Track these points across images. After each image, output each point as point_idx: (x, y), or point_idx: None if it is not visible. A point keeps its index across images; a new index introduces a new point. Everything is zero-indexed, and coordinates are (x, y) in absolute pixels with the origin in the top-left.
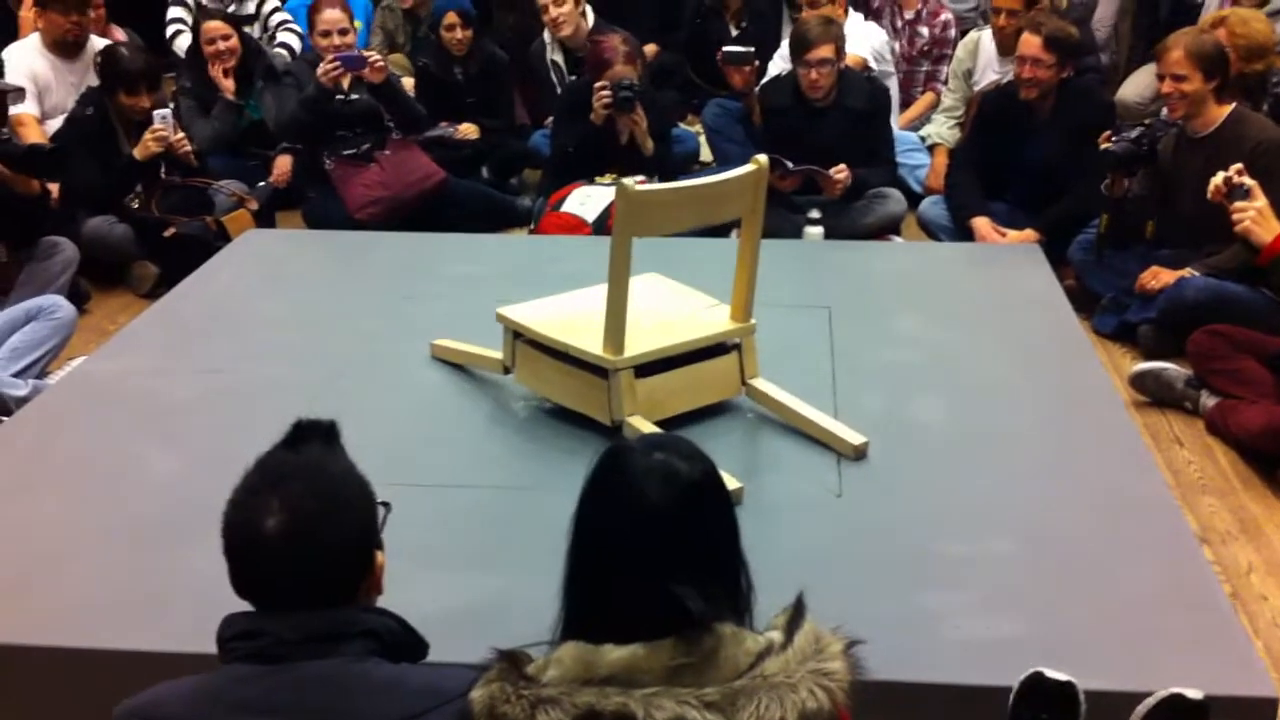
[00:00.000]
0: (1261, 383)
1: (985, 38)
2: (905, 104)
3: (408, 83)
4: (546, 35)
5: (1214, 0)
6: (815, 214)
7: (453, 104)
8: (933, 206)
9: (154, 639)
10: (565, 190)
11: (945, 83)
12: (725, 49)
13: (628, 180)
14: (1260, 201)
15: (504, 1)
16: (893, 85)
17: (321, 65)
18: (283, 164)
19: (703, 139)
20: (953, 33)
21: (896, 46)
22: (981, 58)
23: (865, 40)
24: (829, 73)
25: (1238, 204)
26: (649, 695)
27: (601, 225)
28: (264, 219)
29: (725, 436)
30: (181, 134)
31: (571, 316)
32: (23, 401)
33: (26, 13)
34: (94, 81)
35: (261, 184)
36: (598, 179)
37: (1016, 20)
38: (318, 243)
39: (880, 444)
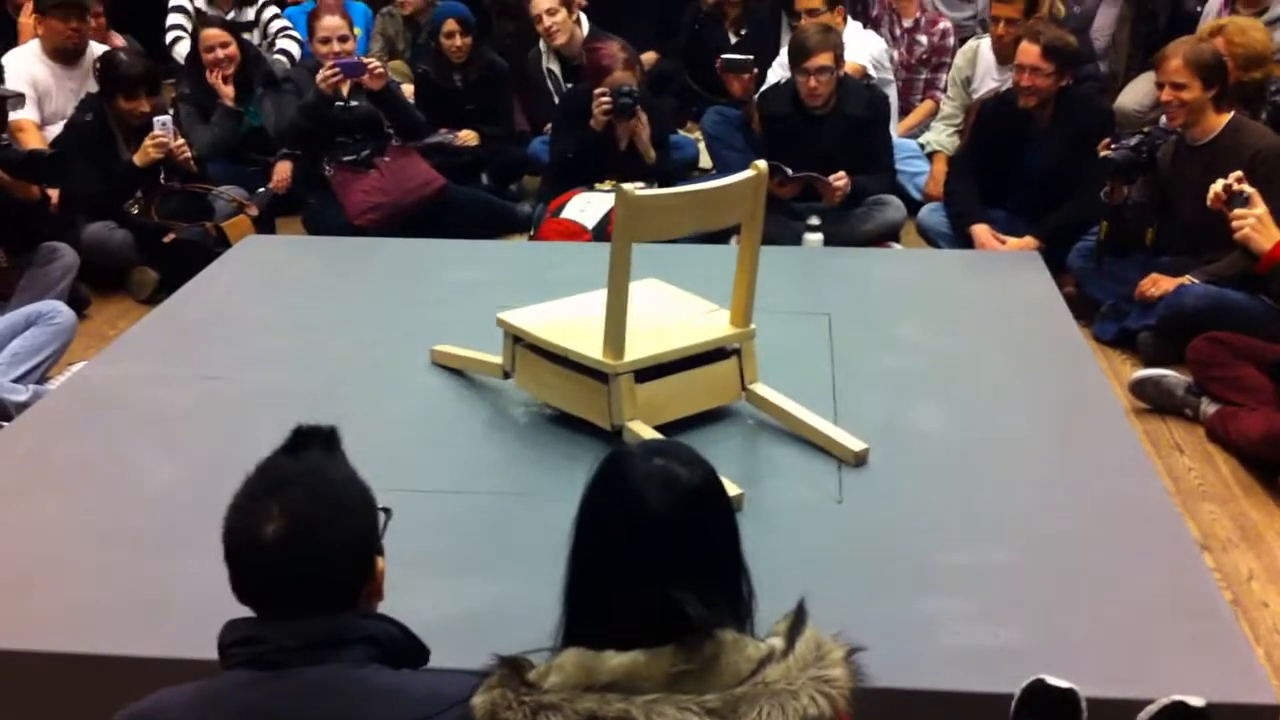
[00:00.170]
0: (1261, 390)
1: (984, 46)
2: (904, 112)
3: (407, 89)
4: (542, 44)
5: (1212, 9)
6: (815, 221)
7: (452, 111)
8: (932, 214)
9: (155, 644)
10: (565, 196)
11: (944, 90)
12: (724, 56)
13: (627, 185)
14: (1260, 209)
15: (503, 9)
16: (891, 93)
17: (321, 72)
18: (282, 170)
19: (702, 146)
20: (951, 41)
21: (895, 54)
22: (980, 66)
23: (864, 48)
24: (828, 80)
25: (1237, 211)
26: (650, 702)
27: (601, 231)
28: (264, 225)
29: (725, 442)
30: (181, 140)
31: (571, 321)
32: (23, 407)
33: (26, 19)
34: (93, 88)
35: (261, 190)
36: (597, 185)
37: (1015, 29)
38: (317, 249)
39: (880, 451)
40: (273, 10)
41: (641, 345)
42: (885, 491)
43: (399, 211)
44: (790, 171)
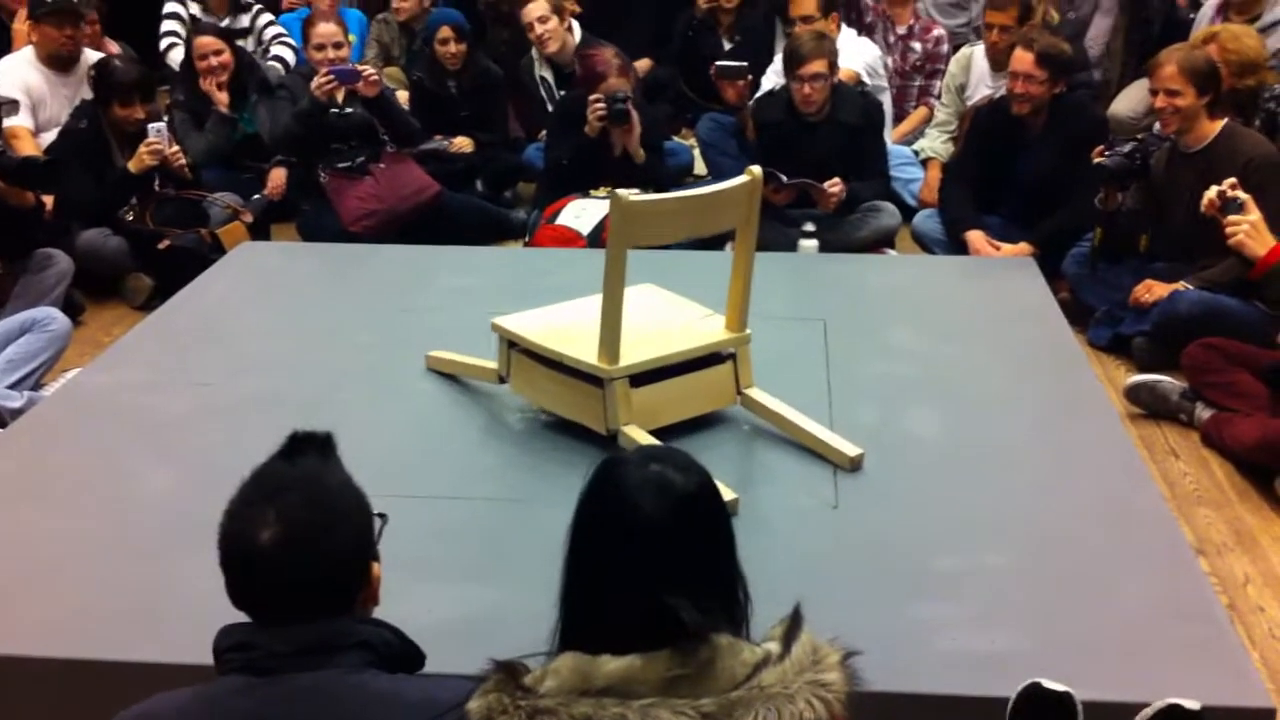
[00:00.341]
0: (1256, 395)
1: (978, 53)
2: (898, 119)
3: (402, 96)
4: (534, 51)
5: (1206, 16)
6: (810, 227)
7: (447, 117)
8: (926, 220)
9: (150, 650)
10: (560, 203)
11: (938, 97)
12: (719, 63)
13: (622, 191)
14: (1254, 215)
15: (498, 15)
16: (886, 100)
17: (315, 79)
18: (277, 177)
19: (696, 152)
20: (945, 48)
21: (889, 61)
22: (974, 73)
23: (858, 55)
24: (822, 87)
25: (1231, 217)
26: (646, 706)
27: (596, 238)
28: (258, 231)
29: (721, 448)
30: (176, 147)
31: (566, 326)
32: (17, 414)
33: (20, 26)
34: (88, 95)
35: (256, 196)
36: (592, 192)
37: (1009, 36)
38: (312, 255)
39: (875, 456)
40: (267, 17)
41: (636, 350)
42: (880, 497)
43: (394, 218)
44: (785, 178)
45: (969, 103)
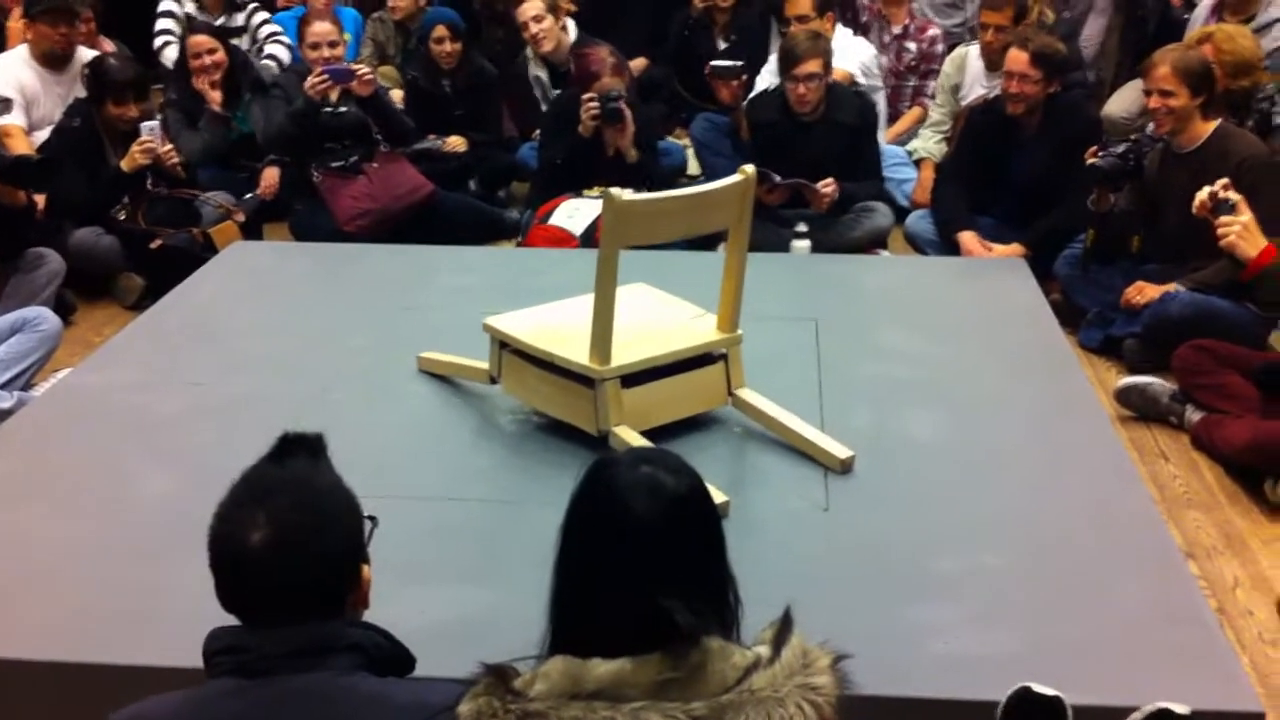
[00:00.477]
0: (1246, 398)
1: (973, 53)
2: (892, 119)
3: (397, 95)
4: (529, 50)
5: (1200, 16)
6: (802, 228)
7: (441, 117)
8: (919, 221)
9: (141, 653)
10: (553, 203)
11: (932, 97)
12: (714, 63)
13: (615, 190)
14: (1246, 216)
15: (493, 15)
16: (880, 100)
17: (309, 78)
18: (270, 176)
19: (690, 152)
20: (940, 48)
21: (884, 61)
22: (969, 73)
23: (853, 55)
24: (816, 87)
25: (1223, 219)
26: (636, 709)
27: (589, 238)
28: (251, 231)
29: (712, 450)
30: (169, 146)
31: (558, 326)
32: (7, 414)
33: (15, 24)
34: (82, 93)
35: (249, 196)
36: (585, 192)
37: (1004, 36)
38: (305, 255)
39: (867, 458)
40: (263, 15)
41: (628, 350)
42: (871, 499)
43: (387, 217)
44: (778, 178)
45: (963, 103)
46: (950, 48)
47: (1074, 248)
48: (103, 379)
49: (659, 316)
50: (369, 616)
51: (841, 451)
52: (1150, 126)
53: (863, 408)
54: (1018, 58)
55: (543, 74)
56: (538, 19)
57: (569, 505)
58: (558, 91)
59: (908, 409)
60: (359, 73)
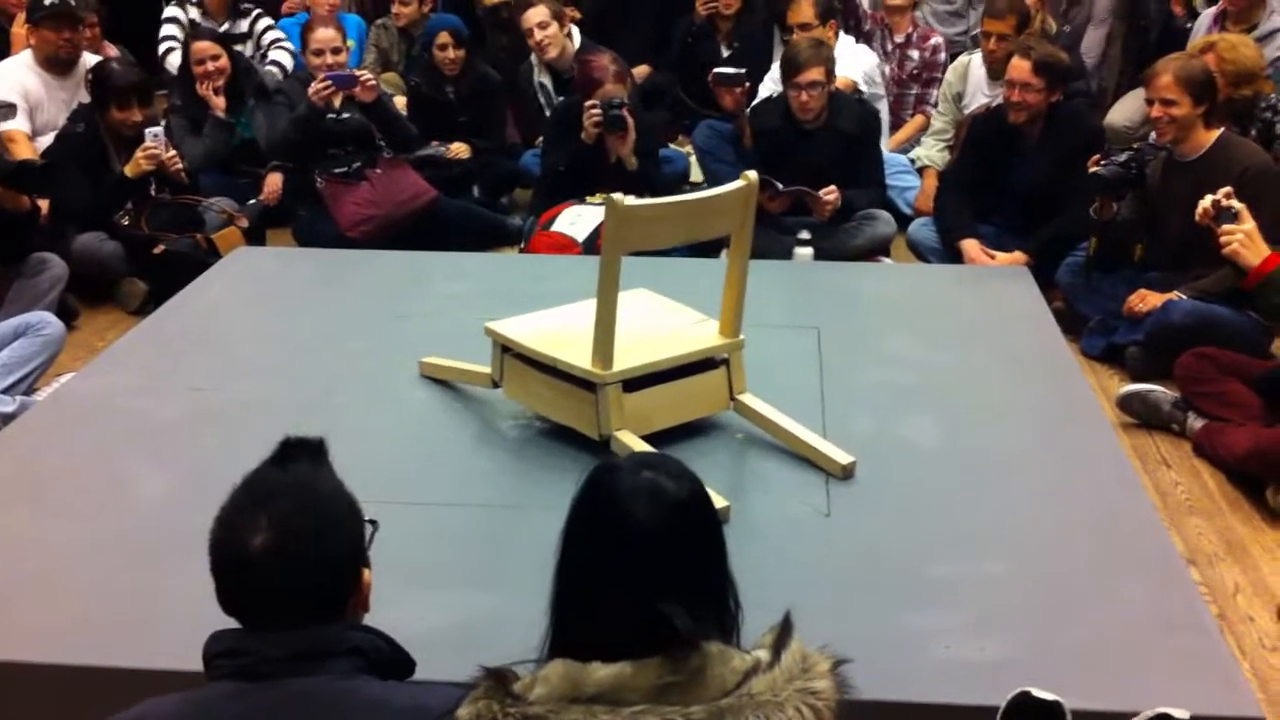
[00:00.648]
0: (1248, 405)
1: (975, 62)
2: (895, 126)
3: (400, 102)
4: (533, 57)
5: (1203, 26)
6: (805, 235)
7: (444, 123)
8: (922, 228)
9: (140, 656)
10: (556, 210)
11: (935, 106)
12: (717, 70)
13: (617, 195)
14: (1248, 225)
15: (497, 21)
16: (883, 108)
17: (313, 84)
18: (274, 182)
19: (693, 159)
20: (943, 56)
21: (887, 69)
22: (971, 81)
23: (856, 63)
24: (819, 95)
25: (1225, 227)
26: (636, 713)
27: (592, 245)
28: (254, 237)
29: (713, 455)
30: (173, 151)
31: (560, 331)
32: (10, 418)
33: (19, 29)
34: (85, 98)
35: (252, 201)
36: (588, 198)
37: (1006, 45)
38: (308, 261)
39: (868, 465)
40: (266, 21)
41: (630, 355)
42: (873, 505)
43: (390, 223)
44: (781, 186)
45: (966, 111)
46: (953, 56)
47: (1076, 256)
48: (105, 383)
49: (661, 322)
50: (370, 620)
51: (843, 457)
52: (1152, 135)
53: (864, 414)
54: (1020, 66)
55: (547, 81)
56: (543, 26)
57: (570, 510)
58: (561, 98)
59: (909, 416)
60: (362, 78)
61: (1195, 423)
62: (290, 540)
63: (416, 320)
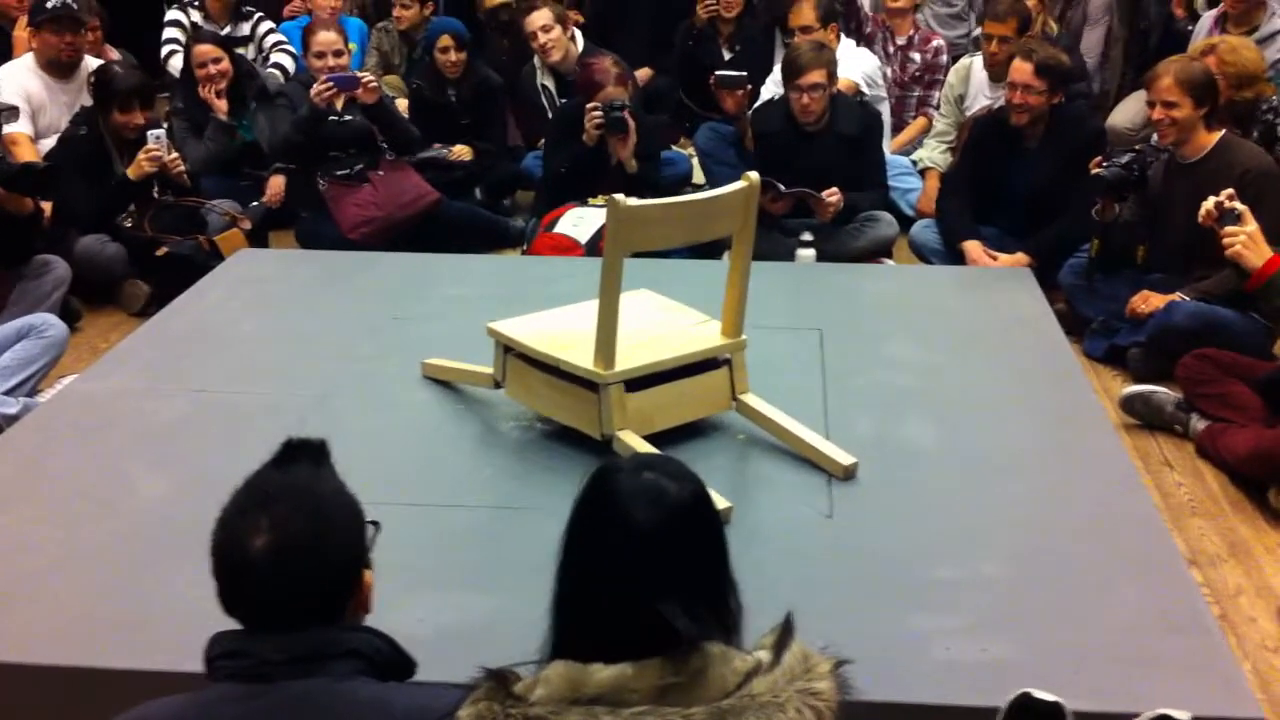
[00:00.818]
0: (1250, 407)
1: (977, 64)
2: (897, 129)
3: (402, 104)
4: (536, 60)
5: (1204, 28)
6: (807, 237)
7: (446, 126)
8: (924, 230)
9: (141, 657)
10: (558, 211)
11: (937, 108)
12: (718, 73)
13: (619, 196)
14: (1251, 226)
15: (498, 24)
16: (885, 110)
17: (314, 86)
18: (276, 184)
19: (695, 162)
20: (944, 58)
21: (889, 72)
22: (973, 83)
23: (857, 65)
24: (821, 97)
25: (1228, 229)
26: (637, 714)
27: (594, 247)
28: (257, 239)
29: (715, 457)
30: (175, 154)
31: (562, 331)
32: (13, 420)
33: (21, 32)
34: (88, 101)
35: (255, 204)
36: (590, 200)
37: (1008, 47)
38: (310, 263)
39: (871, 466)
40: (268, 24)
41: (632, 355)
42: (875, 507)
43: (392, 226)
44: (783, 187)
45: (968, 113)
46: (954, 59)
47: (1078, 257)
48: (107, 385)
49: (663, 322)
50: (371, 621)
51: (845, 458)
52: (1154, 137)
53: (867, 416)
54: (1022, 69)
55: (550, 83)
56: (546, 29)
57: (572, 511)
58: (564, 101)
59: (912, 417)
60: (364, 80)
61: (1198, 424)
62: (291, 542)
63: (418, 322)
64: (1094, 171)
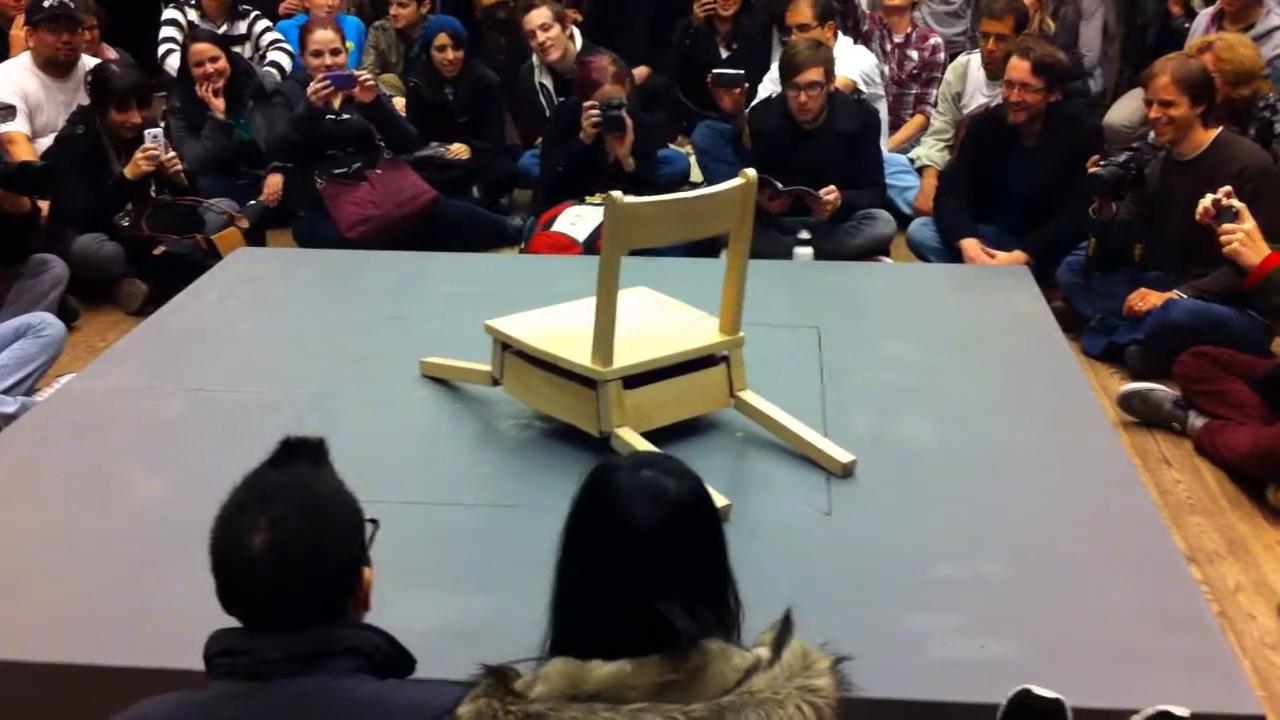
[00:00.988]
0: (1248, 404)
1: (974, 62)
2: (895, 126)
3: (399, 103)
4: (534, 58)
5: (1200, 25)
6: (805, 235)
7: (443, 124)
8: (922, 228)
9: (140, 655)
10: (556, 210)
11: (934, 106)
12: (716, 71)
13: (617, 193)
14: (1248, 224)
15: (495, 23)
16: (882, 108)
17: (311, 84)
18: (273, 183)
19: (693, 160)
20: (942, 56)
21: (886, 70)
22: (970, 81)
23: (854, 63)
24: (818, 95)
25: (1225, 226)
26: (636, 711)
27: (592, 245)
28: (254, 237)
29: (713, 455)
30: (172, 153)
31: (560, 328)
32: (10, 419)
33: (18, 31)
34: (85, 100)
35: (252, 202)
36: (588, 199)
37: (1005, 45)
38: (308, 261)
39: (869, 464)
40: (265, 23)
41: (630, 352)
42: (874, 504)
43: (390, 224)
44: (780, 185)
45: (965, 111)
46: (952, 56)
47: (1076, 255)
48: (105, 384)
49: (661, 319)
50: (370, 619)
51: (843, 456)
52: (1151, 135)
53: (865, 414)
54: (1019, 66)
55: (548, 82)
56: (545, 28)
57: (570, 509)
58: (562, 99)
59: (910, 415)
60: (361, 79)
61: (1196, 421)
62: (290, 540)
63: (416, 320)
64: (1091, 170)
